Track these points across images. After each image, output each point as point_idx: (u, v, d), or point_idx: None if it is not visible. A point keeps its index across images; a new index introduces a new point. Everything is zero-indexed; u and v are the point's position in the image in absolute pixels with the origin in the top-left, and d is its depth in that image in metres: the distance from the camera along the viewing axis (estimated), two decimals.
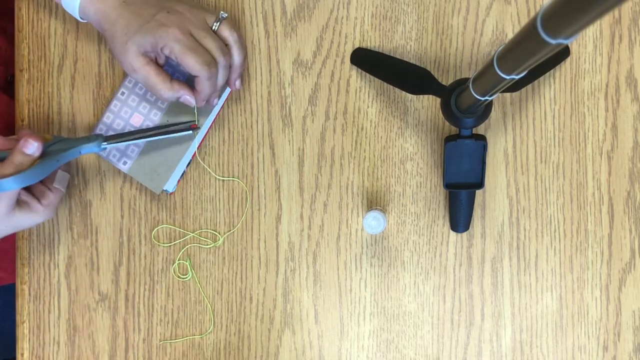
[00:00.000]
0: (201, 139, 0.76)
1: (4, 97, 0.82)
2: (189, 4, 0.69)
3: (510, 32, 0.75)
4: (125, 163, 0.74)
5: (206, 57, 0.67)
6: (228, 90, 0.75)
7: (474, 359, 0.75)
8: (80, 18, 0.69)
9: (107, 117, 0.75)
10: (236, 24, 0.72)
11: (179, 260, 0.76)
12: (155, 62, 0.68)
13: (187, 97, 0.69)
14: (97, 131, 0.75)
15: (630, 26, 0.74)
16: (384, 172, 0.76)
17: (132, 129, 0.74)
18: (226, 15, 0.70)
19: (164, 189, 0.75)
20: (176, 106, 0.74)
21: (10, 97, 0.81)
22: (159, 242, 0.77)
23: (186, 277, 0.76)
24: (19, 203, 0.67)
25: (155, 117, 0.74)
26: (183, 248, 0.76)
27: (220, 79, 0.70)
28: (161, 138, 0.73)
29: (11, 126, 0.78)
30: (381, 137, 0.75)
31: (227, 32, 0.70)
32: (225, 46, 0.69)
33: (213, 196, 0.76)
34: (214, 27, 0.69)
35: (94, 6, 0.67)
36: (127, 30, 0.66)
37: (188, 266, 0.76)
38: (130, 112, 0.75)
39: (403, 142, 0.75)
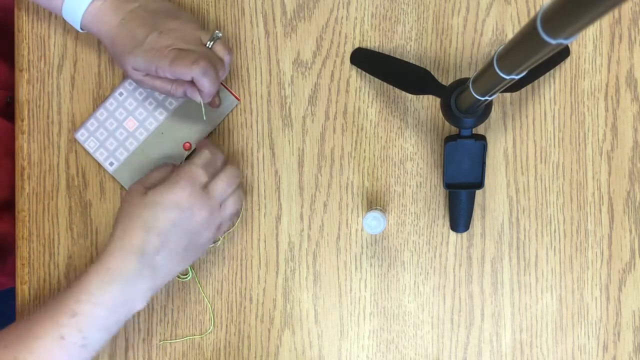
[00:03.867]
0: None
1: (3, 121, 0.81)
2: (184, 20, 0.69)
3: (510, 32, 0.75)
4: (112, 164, 0.75)
5: (192, 56, 0.65)
6: (232, 105, 0.75)
7: (474, 359, 0.75)
8: (81, 29, 0.70)
9: (101, 114, 0.75)
10: (230, 46, 0.72)
11: None
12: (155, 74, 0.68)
13: (191, 91, 0.69)
14: (83, 129, 0.75)
15: (630, 26, 0.74)
16: (384, 172, 0.76)
17: (125, 132, 0.75)
18: (221, 34, 0.69)
19: None
20: (183, 108, 0.74)
21: (9, 120, 0.81)
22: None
23: (186, 277, 0.76)
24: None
25: (160, 116, 0.75)
26: None
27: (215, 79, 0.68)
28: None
29: (11, 152, 0.78)
30: (381, 137, 0.75)
31: (220, 52, 0.69)
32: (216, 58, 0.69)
33: None
34: (208, 45, 0.68)
35: (95, 26, 0.68)
36: (123, 49, 0.67)
37: (188, 267, 0.76)
38: (126, 114, 0.75)
39: (403, 142, 0.75)
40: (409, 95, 0.75)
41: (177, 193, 0.64)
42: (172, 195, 0.64)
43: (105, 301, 0.62)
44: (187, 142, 0.75)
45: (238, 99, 0.75)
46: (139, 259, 0.63)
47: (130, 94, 0.75)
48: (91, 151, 0.75)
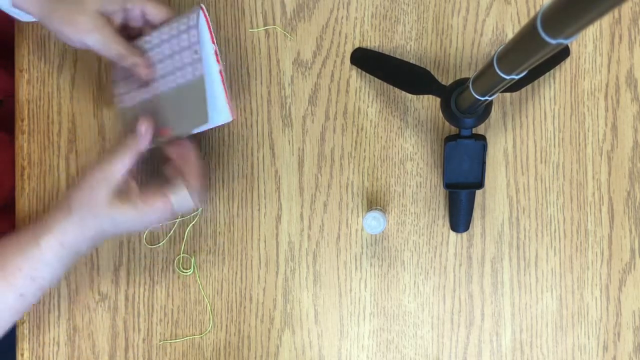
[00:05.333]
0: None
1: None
2: None
3: (510, 32, 0.75)
4: None
5: None
6: (224, 120, 0.73)
7: (474, 359, 0.75)
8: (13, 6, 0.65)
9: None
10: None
11: (182, 253, 0.76)
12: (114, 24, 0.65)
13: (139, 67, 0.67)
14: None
15: (630, 26, 0.74)
16: (384, 172, 0.76)
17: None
18: None
19: None
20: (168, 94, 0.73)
21: (7, 132, 0.80)
22: (159, 241, 0.77)
23: (188, 272, 0.76)
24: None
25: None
26: (183, 248, 0.76)
27: None
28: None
29: (10, 164, 0.78)
30: (381, 137, 0.75)
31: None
32: None
33: (213, 196, 0.76)
34: None
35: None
36: (70, 7, 0.62)
37: (192, 261, 0.76)
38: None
39: (403, 142, 0.75)
40: (409, 95, 0.75)
41: (143, 222, 0.66)
42: (139, 223, 0.66)
43: (60, 264, 0.66)
44: (166, 129, 0.68)
45: (233, 117, 0.66)
46: (92, 241, 0.66)
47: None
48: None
